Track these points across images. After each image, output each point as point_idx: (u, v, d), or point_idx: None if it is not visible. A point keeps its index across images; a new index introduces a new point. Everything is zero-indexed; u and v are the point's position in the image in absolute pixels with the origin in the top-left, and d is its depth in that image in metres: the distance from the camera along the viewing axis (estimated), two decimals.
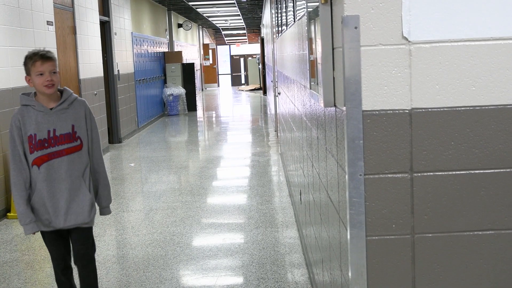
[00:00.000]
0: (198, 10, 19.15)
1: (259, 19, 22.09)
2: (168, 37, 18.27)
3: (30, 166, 3.13)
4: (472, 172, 2.06)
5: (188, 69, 16.98)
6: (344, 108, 2.05)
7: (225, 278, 4.21)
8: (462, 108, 2.04)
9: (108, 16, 10.89)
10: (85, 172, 3.25)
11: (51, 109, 3.13)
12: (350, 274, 2.10)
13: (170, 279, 4.21)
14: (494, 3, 2.01)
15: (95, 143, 3.28)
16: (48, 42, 7.25)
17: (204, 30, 30.37)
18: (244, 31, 31.45)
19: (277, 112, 10.01)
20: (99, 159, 3.32)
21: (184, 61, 18.36)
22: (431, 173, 2.06)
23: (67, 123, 3.15)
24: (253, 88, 27.20)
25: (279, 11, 7.34)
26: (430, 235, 2.09)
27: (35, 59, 3.04)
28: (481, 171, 2.06)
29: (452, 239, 2.09)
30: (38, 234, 3.33)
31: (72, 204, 3.19)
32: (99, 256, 4.65)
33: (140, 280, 4.19)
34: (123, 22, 11.86)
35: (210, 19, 23.38)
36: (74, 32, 8.70)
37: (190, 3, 16.83)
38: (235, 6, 18.08)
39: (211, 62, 29.63)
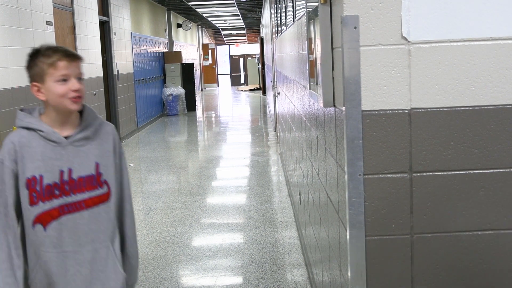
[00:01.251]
0: (197, 10, 19.15)
1: (259, 19, 22.10)
2: (167, 37, 18.27)
3: (27, 225, 2.06)
4: (471, 172, 2.06)
5: (188, 69, 16.98)
6: (343, 108, 2.05)
7: (224, 278, 4.21)
8: (462, 108, 2.04)
9: (108, 16, 10.88)
10: (115, 236, 2.19)
11: (66, 137, 2.06)
12: (349, 274, 2.10)
13: (169, 279, 4.21)
14: (494, 3, 2.01)
15: (126, 189, 2.24)
16: (47, 42, 7.24)
17: (203, 30, 30.37)
18: (244, 31, 31.45)
19: (277, 112, 10.01)
20: (130, 216, 2.26)
21: (184, 61, 18.36)
22: (431, 173, 2.06)
23: (89, 160, 2.09)
24: (253, 88, 27.21)
25: (279, 11, 7.35)
26: (429, 235, 2.09)
27: (58, 58, 2.00)
28: (481, 171, 2.06)
29: (451, 239, 2.09)
30: None
31: (95, 286, 2.13)
32: None
33: (140, 280, 4.19)
34: (122, 22, 11.86)
35: (209, 19, 23.38)
36: (74, 32, 8.69)
37: (190, 3, 16.83)
38: (235, 6, 18.08)
39: (210, 62, 29.63)
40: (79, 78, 2.04)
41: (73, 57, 2.04)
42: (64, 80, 2.00)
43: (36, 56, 2.03)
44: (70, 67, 2.01)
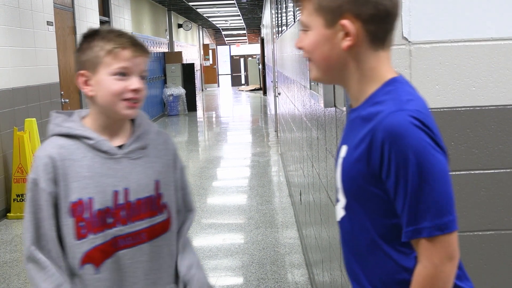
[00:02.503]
0: (198, 10, 19.15)
1: (259, 19, 22.10)
2: (168, 37, 18.27)
3: (74, 266, 1.55)
4: (472, 172, 2.06)
5: (188, 69, 16.98)
6: (344, 109, 2.05)
7: (225, 279, 4.21)
8: (462, 109, 2.04)
9: (108, 17, 10.89)
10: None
11: (119, 147, 1.60)
12: None
13: None
14: (494, 3, 2.01)
15: (191, 215, 1.88)
16: (48, 42, 7.25)
17: (204, 30, 30.38)
18: (244, 32, 31.46)
19: (277, 112, 10.01)
20: (190, 246, 1.83)
21: (184, 62, 18.36)
22: None
23: (148, 177, 1.62)
24: (253, 88, 27.22)
25: (279, 11, 7.34)
26: None
27: (121, 44, 1.53)
28: (481, 172, 2.06)
29: None
30: None
31: None
32: None
33: None
34: (123, 22, 11.87)
35: (210, 19, 23.39)
36: (74, 32, 8.70)
37: (190, 3, 16.84)
38: (235, 7, 18.09)
39: (211, 62, 29.64)
40: (142, 77, 1.57)
41: (141, 49, 1.57)
42: (123, 74, 1.53)
43: (92, 38, 1.55)
44: (134, 60, 1.54)
